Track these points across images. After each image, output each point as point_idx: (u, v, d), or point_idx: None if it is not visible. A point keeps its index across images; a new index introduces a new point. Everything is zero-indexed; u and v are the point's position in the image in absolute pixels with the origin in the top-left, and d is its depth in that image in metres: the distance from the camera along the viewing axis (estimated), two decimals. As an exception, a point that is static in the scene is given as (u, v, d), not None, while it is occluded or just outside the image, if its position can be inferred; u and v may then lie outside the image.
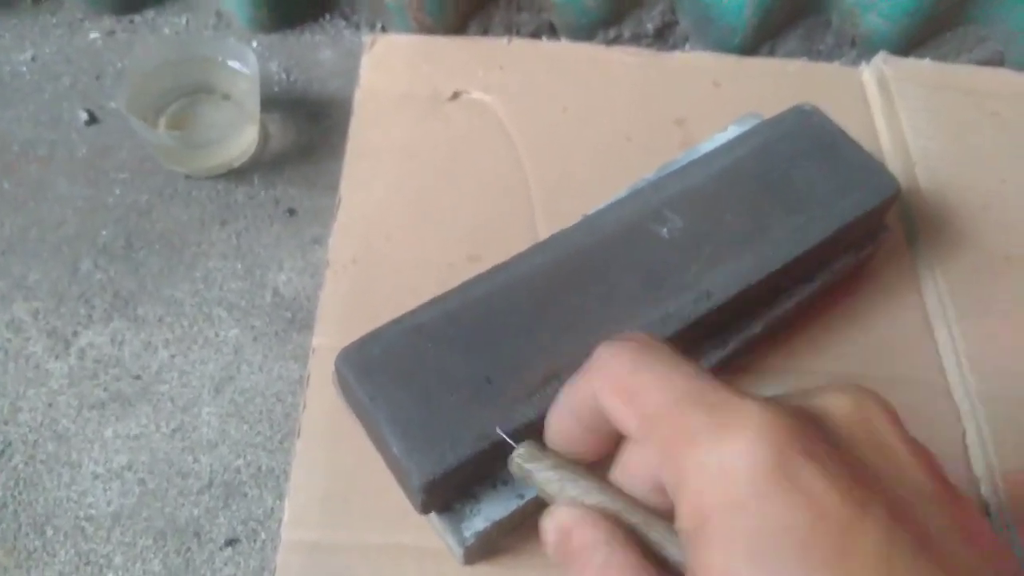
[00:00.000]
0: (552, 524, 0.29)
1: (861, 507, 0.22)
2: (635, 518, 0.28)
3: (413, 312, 0.44)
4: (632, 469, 0.28)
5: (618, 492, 0.29)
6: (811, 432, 0.24)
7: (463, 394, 0.41)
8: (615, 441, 0.30)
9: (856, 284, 0.55)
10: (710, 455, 0.24)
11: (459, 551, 0.42)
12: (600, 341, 0.43)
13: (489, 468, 0.42)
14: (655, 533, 0.28)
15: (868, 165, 0.51)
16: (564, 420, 0.31)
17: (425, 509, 0.41)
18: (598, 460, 0.31)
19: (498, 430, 0.39)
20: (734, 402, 0.25)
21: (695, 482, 0.24)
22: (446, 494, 0.42)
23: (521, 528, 0.45)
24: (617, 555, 0.27)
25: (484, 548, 0.44)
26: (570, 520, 0.29)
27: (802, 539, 0.22)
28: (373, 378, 0.41)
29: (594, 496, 0.29)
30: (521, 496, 0.43)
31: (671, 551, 0.27)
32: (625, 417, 0.27)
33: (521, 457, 0.33)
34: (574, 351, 0.43)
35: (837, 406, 0.26)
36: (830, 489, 0.22)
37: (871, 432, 0.25)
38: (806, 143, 0.51)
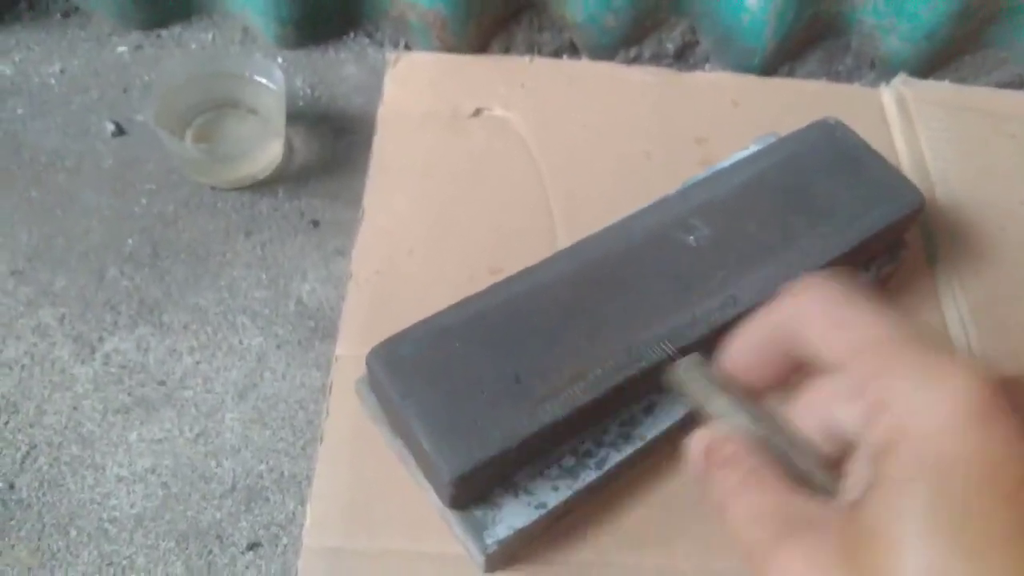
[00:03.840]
0: (706, 435, 0.32)
1: None
2: (784, 442, 0.30)
3: (442, 313, 0.44)
4: (822, 397, 0.30)
5: (770, 416, 0.31)
6: (1011, 396, 0.26)
7: (492, 392, 0.42)
8: (786, 374, 0.32)
9: (877, 302, 0.55)
10: (921, 387, 0.26)
11: (480, 559, 0.43)
12: (628, 343, 0.44)
13: (516, 466, 0.43)
14: (804, 458, 0.29)
15: (892, 178, 0.51)
16: (751, 339, 0.33)
17: (454, 503, 0.42)
18: (759, 390, 0.33)
19: (664, 343, 0.42)
20: (949, 350, 0.27)
21: (900, 406, 0.26)
22: (475, 490, 0.42)
23: (542, 537, 0.45)
24: (762, 467, 0.29)
25: (505, 556, 0.44)
26: (724, 434, 0.31)
27: (990, 468, 0.24)
28: (404, 376, 0.42)
29: (743, 414, 0.31)
30: (543, 505, 0.43)
31: (816, 476, 0.29)
32: (831, 342, 0.29)
33: (684, 366, 0.34)
34: (601, 352, 0.44)
35: None
36: (1020, 439, 0.25)
37: None
38: (831, 156, 0.52)
